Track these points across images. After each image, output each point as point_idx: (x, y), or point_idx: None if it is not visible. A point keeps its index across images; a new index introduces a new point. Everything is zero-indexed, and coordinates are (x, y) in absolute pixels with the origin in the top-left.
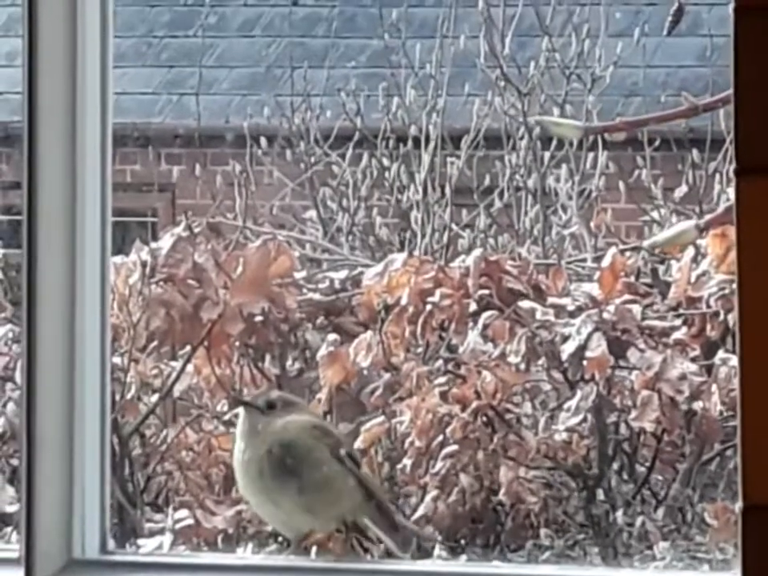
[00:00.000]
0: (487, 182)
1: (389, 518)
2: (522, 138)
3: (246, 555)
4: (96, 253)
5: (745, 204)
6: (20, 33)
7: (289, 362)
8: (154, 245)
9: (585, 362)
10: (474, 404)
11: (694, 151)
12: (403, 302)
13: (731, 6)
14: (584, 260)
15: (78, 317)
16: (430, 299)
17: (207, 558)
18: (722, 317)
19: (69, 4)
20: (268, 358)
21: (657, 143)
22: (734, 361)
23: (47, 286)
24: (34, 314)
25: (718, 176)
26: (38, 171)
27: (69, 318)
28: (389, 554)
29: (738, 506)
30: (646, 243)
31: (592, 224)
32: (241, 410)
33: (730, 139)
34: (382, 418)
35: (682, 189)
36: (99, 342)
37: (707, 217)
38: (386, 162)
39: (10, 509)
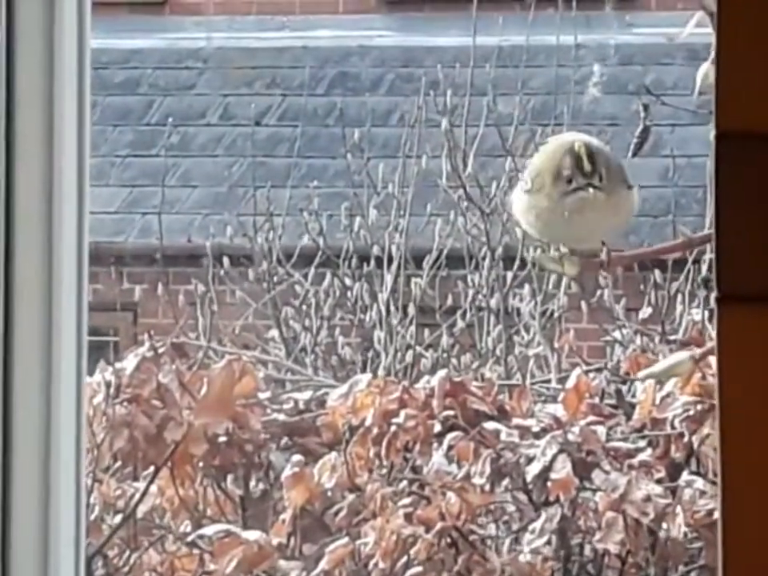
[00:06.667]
0: (450, 301)
1: None
2: (484, 258)
3: None
4: (72, 375)
5: (726, 333)
6: None
7: (252, 483)
8: (118, 365)
9: (549, 484)
10: (439, 525)
11: (656, 271)
12: (368, 422)
13: (712, 134)
14: (548, 380)
15: (53, 435)
16: (394, 420)
17: None
18: (686, 438)
19: (45, 122)
20: (231, 478)
21: None
22: (699, 483)
23: (22, 405)
24: (10, 435)
25: (680, 296)
26: (14, 291)
27: (45, 424)
28: None
29: None
30: (641, 374)
31: (555, 344)
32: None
33: (692, 260)
34: (346, 540)
35: (646, 309)
36: (74, 465)
37: (701, 348)
38: (348, 281)
39: None
